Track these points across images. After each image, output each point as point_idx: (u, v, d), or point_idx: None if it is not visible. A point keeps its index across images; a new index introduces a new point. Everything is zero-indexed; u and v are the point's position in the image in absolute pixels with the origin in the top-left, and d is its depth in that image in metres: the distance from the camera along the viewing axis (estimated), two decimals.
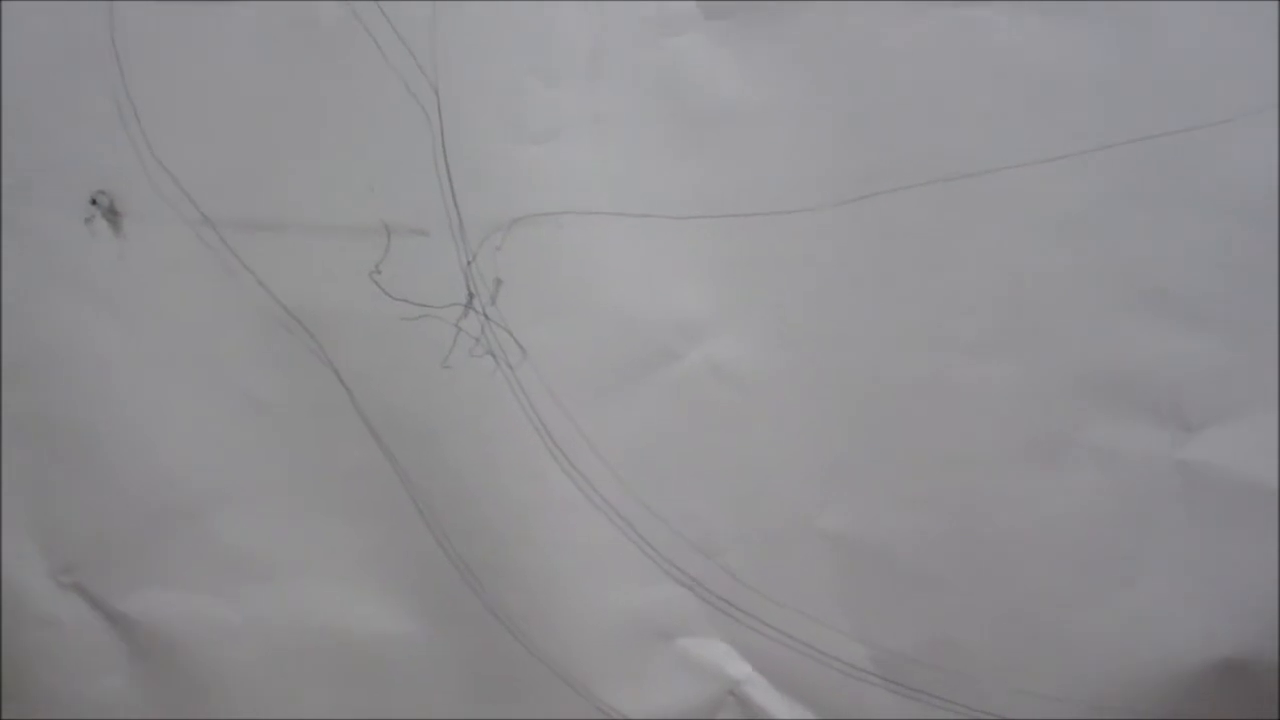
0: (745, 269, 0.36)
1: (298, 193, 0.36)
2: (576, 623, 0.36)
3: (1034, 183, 0.35)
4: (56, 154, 0.36)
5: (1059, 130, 0.35)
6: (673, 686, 0.36)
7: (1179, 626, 0.35)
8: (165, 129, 0.36)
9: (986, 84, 0.35)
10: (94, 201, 0.36)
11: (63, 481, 0.38)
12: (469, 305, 0.35)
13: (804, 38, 0.35)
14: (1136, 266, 0.35)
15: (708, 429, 0.36)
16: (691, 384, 0.36)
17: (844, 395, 0.36)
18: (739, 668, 0.36)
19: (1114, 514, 0.35)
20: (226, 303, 0.36)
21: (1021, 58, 0.35)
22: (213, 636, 0.38)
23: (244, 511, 0.37)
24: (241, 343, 0.36)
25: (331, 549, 0.37)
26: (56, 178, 0.36)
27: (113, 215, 0.36)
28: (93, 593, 0.39)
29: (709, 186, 0.36)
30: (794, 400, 0.36)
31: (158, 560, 0.38)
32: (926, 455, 0.36)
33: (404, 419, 0.36)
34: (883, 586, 0.36)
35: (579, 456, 0.35)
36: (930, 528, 0.35)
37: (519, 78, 0.35)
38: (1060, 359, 0.35)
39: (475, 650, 0.36)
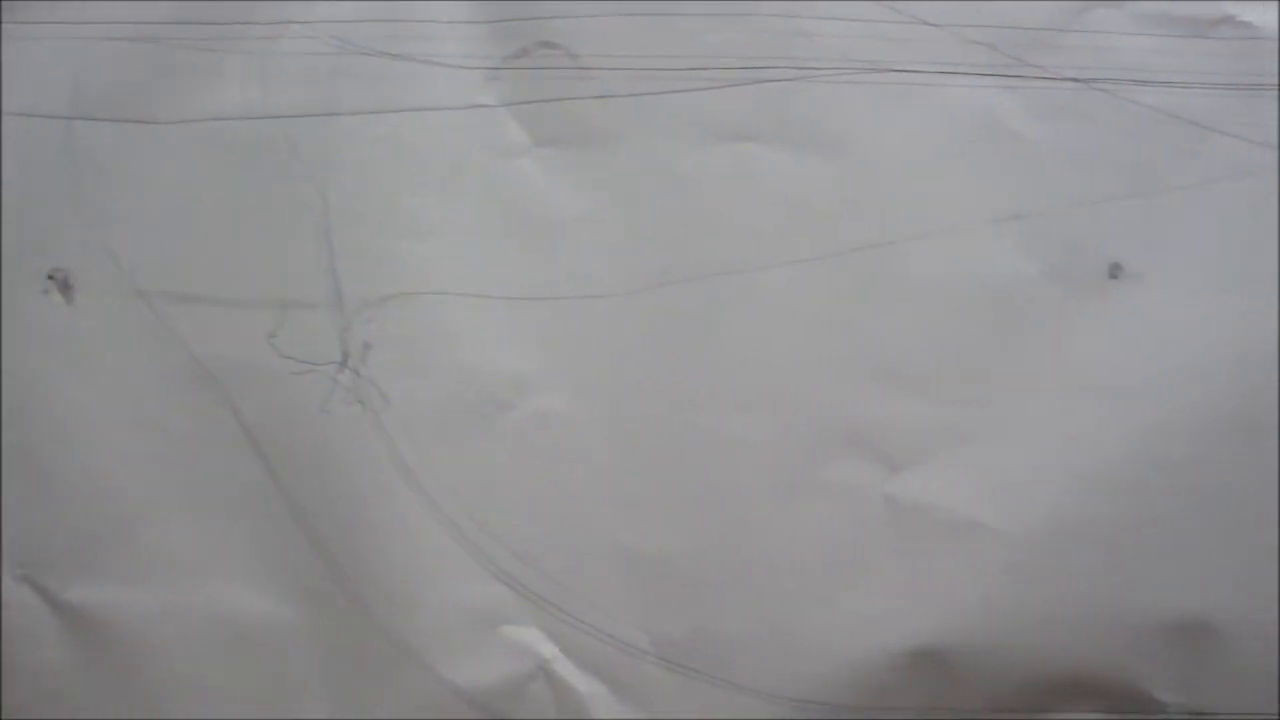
0: (565, 339, 0.45)
1: (214, 272, 0.45)
2: (420, 612, 0.44)
3: (787, 279, 0.46)
4: (21, 239, 0.45)
5: (806, 239, 0.46)
6: (495, 664, 0.45)
7: (888, 622, 0.44)
8: (110, 220, 0.45)
9: (751, 202, 0.46)
10: (50, 277, 0.45)
11: (20, 497, 0.46)
12: (344, 364, 0.45)
13: (612, 163, 0.45)
14: (863, 345, 0.45)
15: (531, 463, 0.45)
16: (520, 428, 0.45)
17: (639, 439, 0.45)
18: (548, 648, 0.45)
19: (838, 535, 0.45)
20: (155, 358, 0.45)
21: (778, 182, 0.46)
22: (138, 622, 0.46)
23: (162, 521, 0.45)
24: (165, 389, 0.45)
25: (229, 551, 0.45)
26: (20, 258, 0.45)
27: (66, 288, 0.45)
28: (41, 585, 0.46)
29: (538, 275, 0.45)
30: (600, 442, 0.45)
31: (94, 559, 0.45)
32: (700, 488, 0.45)
33: (289, 451, 0.45)
34: (661, 587, 0.45)
35: (428, 482, 0.45)
36: (700, 544, 0.45)
37: (391, 187, 0.45)
38: (803, 416, 0.45)
39: (341, 632, 0.44)
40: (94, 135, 0.45)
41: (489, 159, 0.46)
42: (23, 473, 0.46)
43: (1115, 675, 0.45)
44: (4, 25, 0.44)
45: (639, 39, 0.45)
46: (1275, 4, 0.46)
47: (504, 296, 0.45)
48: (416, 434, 0.45)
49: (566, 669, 0.45)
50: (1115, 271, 0.46)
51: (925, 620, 0.44)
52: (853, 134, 0.46)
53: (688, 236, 0.46)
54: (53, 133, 0.45)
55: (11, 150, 0.45)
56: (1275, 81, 0.46)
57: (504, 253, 0.46)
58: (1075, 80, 0.46)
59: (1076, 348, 0.45)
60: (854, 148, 0.46)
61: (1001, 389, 0.45)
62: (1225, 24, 0.46)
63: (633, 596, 0.45)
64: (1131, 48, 0.46)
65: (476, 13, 0.45)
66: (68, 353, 0.45)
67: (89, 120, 0.45)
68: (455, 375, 0.45)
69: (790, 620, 0.45)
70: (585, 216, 0.46)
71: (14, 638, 0.46)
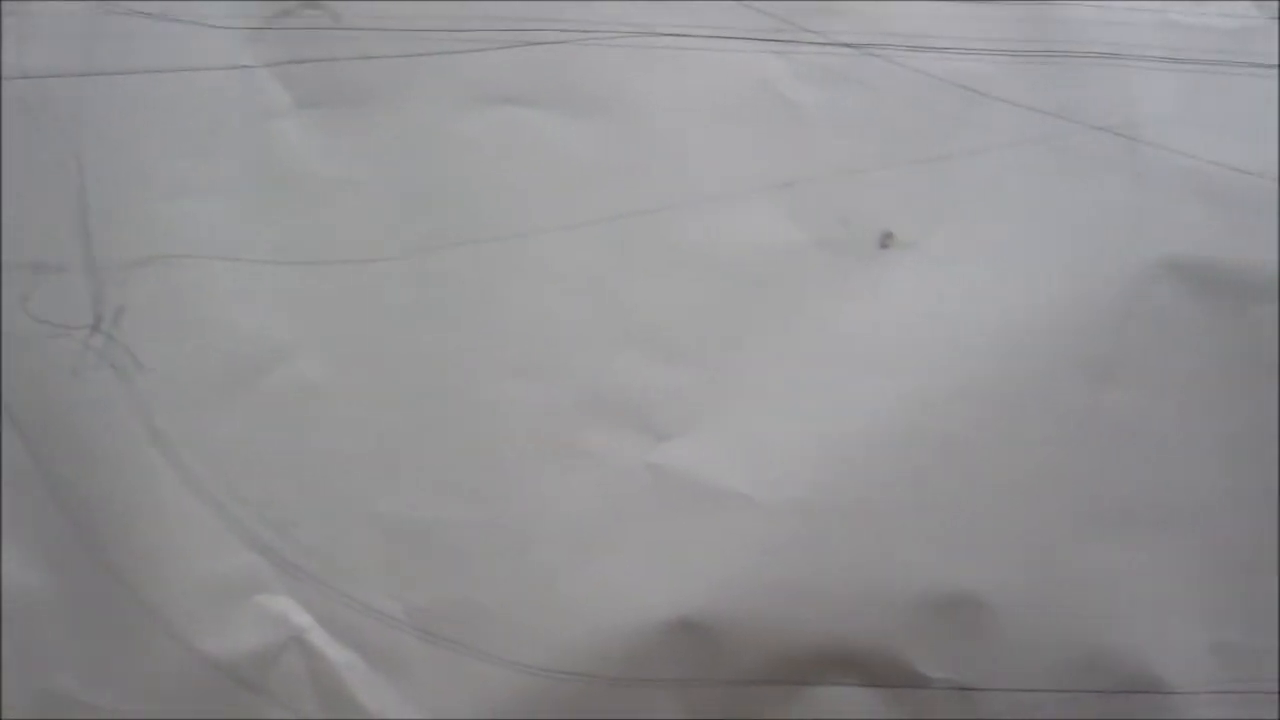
0: (326, 304, 0.44)
1: None
2: (172, 581, 0.44)
3: (555, 245, 0.45)
4: None
5: (575, 205, 0.45)
6: (248, 633, 0.44)
7: (647, 592, 0.44)
8: None
9: (519, 166, 0.45)
10: None
11: None
12: (96, 327, 0.44)
13: (377, 126, 0.45)
14: (628, 312, 0.45)
15: (288, 430, 0.44)
16: (277, 395, 0.44)
17: (399, 406, 0.44)
18: (302, 618, 0.44)
19: (599, 504, 0.44)
20: None
21: (546, 146, 0.45)
22: None
23: None
24: None
25: None
26: None
27: None
28: None
29: (298, 239, 0.44)
30: (359, 409, 0.44)
31: None
32: (460, 456, 0.44)
33: (41, 416, 0.44)
34: (418, 557, 0.44)
35: (181, 449, 0.44)
36: (459, 513, 0.44)
37: (149, 149, 0.45)
38: (567, 383, 0.44)
39: (91, 601, 0.44)
40: None
41: (250, 121, 0.45)
42: None
43: (879, 648, 0.44)
44: None
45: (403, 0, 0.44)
46: None
47: (263, 261, 0.45)
48: (170, 399, 0.44)
49: (321, 639, 0.44)
50: (886, 241, 0.45)
51: (685, 591, 0.44)
52: (623, 98, 0.45)
53: (454, 201, 0.45)
54: None
55: None
56: (1051, 49, 0.45)
57: (264, 216, 0.45)
58: (851, 45, 0.45)
59: (845, 317, 0.45)
60: (624, 112, 0.45)
61: (768, 359, 0.45)
62: None
63: (389, 566, 0.44)
64: (910, 13, 0.45)
65: None
66: None
67: None
68: (211, 340, 0.44)
69: (549, 590, 0.44)
70: (349, 180, 0.45)
71: None
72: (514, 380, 0.44)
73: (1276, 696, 0.45)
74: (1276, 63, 0.45)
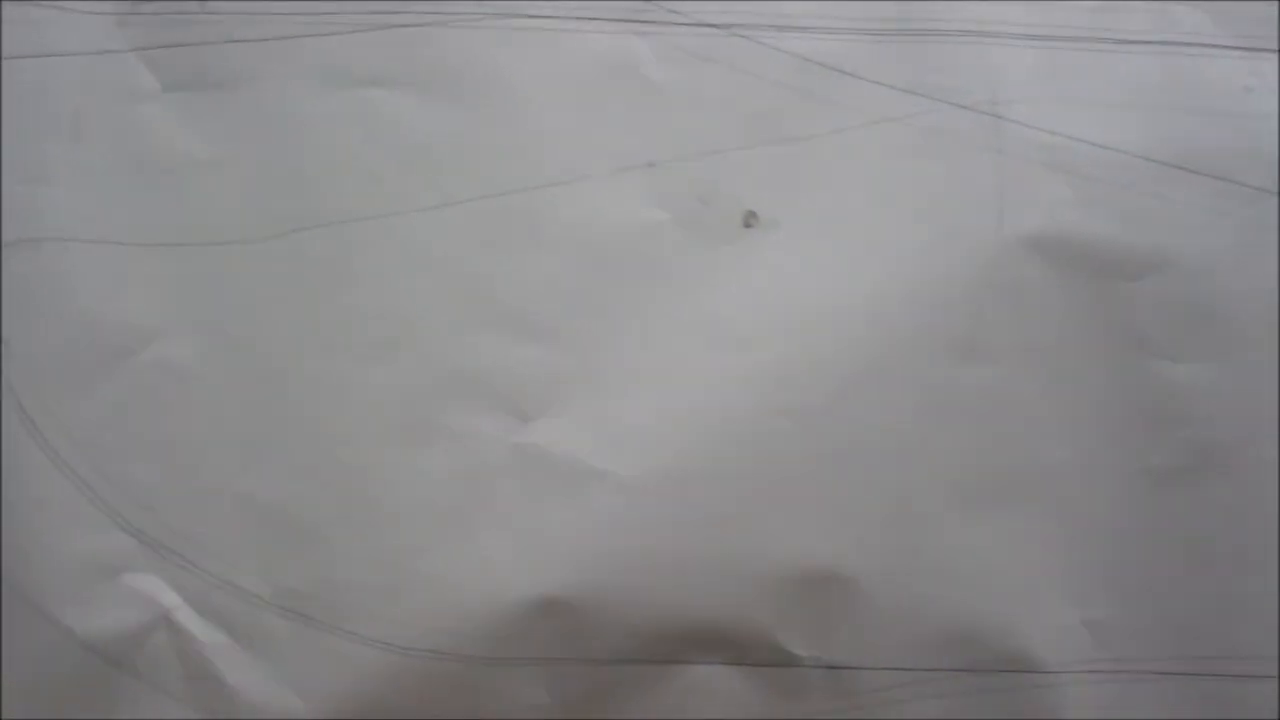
0: (191, 286, 0.45)
1: None
2: (41, 560, 0.44)
3: (418, 226, 0.45)
4: None
5: (438, 185, 0.45)
6: (117, 613, 0.44)
7: (512, 571, 0.44)
8: None
9: (383, 148, 0.45)
10: None
11: None
12: None
13: (241, 109, 0.45)
14: (492, 293, 0.45)
15: (155, 412, 0.44)
16: (143, 376, 0.45)
17: (265, 388, 0.45)
18: (170, 598, 0.44)
19: (463, 484, 0.44)
20: None
21: (410, 128, 0.45)
22: None
23: None
24: None
25: None
26: None
27: None
28: None
29: (166, 221, 0.45)
30: (225, 390, 0.45)
31: None
32: (325, 436, 0.44)
33: None
34: (284, 537, 0.44)
35: (48, 430, 0.44)
36: (324, 493, 0.44)
37: (16, 133, 0.45)
38: (432, 364, 0.45)
39: None
40: None
41: (117, 104, 0.45)
42: None
43: (746, 626, 0.44)
44: None
45: None
46: None
47: (130, 243, 0.45)
48: (37, 381, 0.45)
49: (188, 618, 0.44)
50: (749, 220, 0.45)
51: (549, 569, 0.44)
52: (486, 80, 0.45)
53: (318, 183, 0.45)
54: None
55: None
56: (913, 28, 0.46)
57: (132, 199, 0.45)
58: (714, 26, 0.45)
59: (708, 296, 0.45)
60: (487, 94, 0.45)
61: (632, 338, 0.45)
62: None
63: (256, 545, 0.45)
64: None
65: None
66: None
67: None
68: (77, 322, 0.45)
69: (413, 570, 0.44)
70: (215, 162, 0.45)
71: None
72: (377, 361, 0.45)
73: (1149, 675, 0.45)
74: (1135, 39, 0.46)
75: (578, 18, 0.45)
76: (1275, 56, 0.46)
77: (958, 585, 0.45)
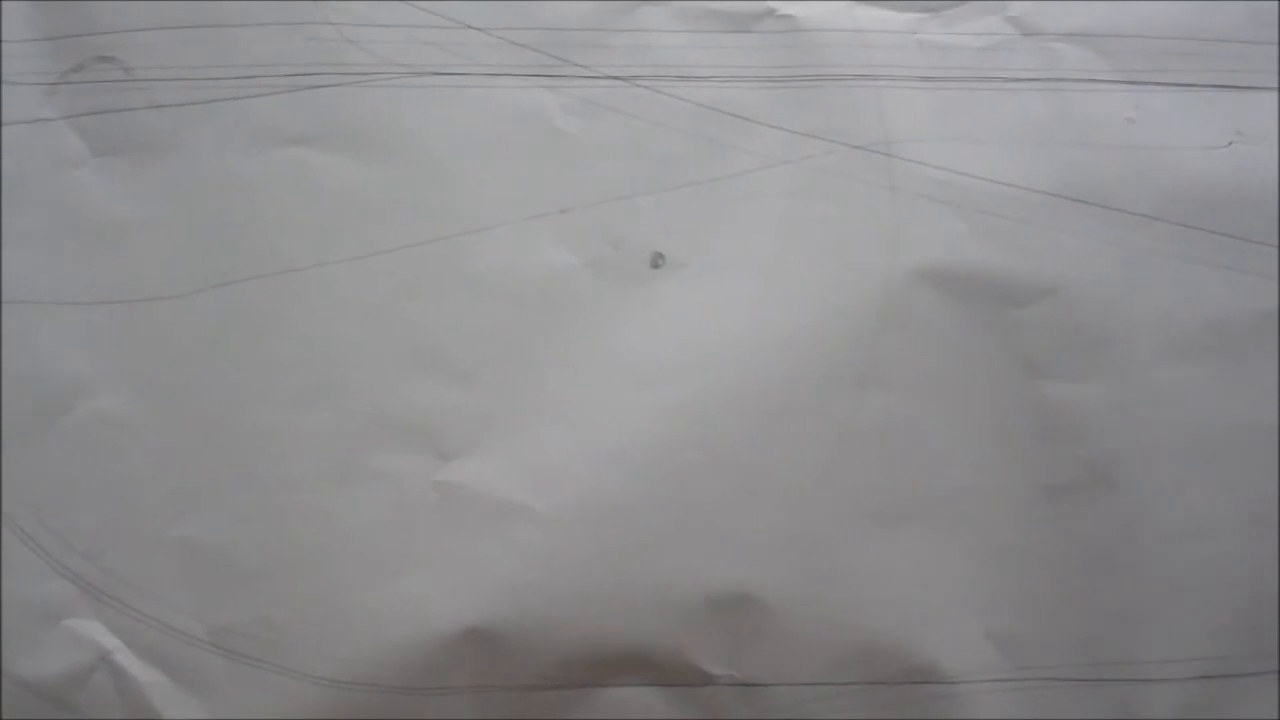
0: (126, 341, 0.47)
1: None
2: None
3: (342, 277, 0.47)
4: None
5: (361, 237, 0.47)
6: (59, 656, 0.46)
7: (436, 604, 0.46)
8: None
9: (307, 203, 0.47)
10: None
11: None
12: None
13: (169, 170, 0.47)
14: (413, 338, 0.47)
15: (92, 462, 0.46)
16: (81, 429, 0.46)
17: (198, 436, 0.46)
18: (110, 640, 0.46)
19: (388, 522, 0.46)
20: None
21: (333, 183, 0.47)
22: None
23: None
24: None
25: None
26: None
27: None
28: None
29: (100, 280, 0.47)
30: (159, 440, 0.46)
31: None
32: (256, 480, 0.46)
33: None
34: (218, 578, 0.46)
35: None
36: (256, 534, 0.46)
37: None
38: (356, 407, 0.47)
39: None
40: None
41: (51, 170, 0.47)
42: None
43: (663, 648, 0.46)
44: None
45: (191, 51, 0.47)
46: None
47: (66, 302, 0.47)
48: None
49: (127, 659, 0.46)
50: (657, 261, 0.47)
51: (472, 601, 0.46)
52: (403, 136, 0.47)
53: (247, 238, 0.47)
54: None
55: None
56: (809, 73, 0.48)
57: (67, 260, 0.47)
58: (617, 78, 0.48)
59: (620, 336, 0.47)
60: (404, 149, 0.47)
61: (548, 377, 0.47)
62: (768, 18, 0.48)
63: (191, 587, 0.47)
64: (675, 45, 0.48)
65: (35, 30, 0.47)
66: None
67: None
68: (16, 379, 0.47)
69: (342, 606, 0.46)
70: (146, 222, 0.47)
71: None
72: (305, 406, 0.47)
73: (1051, 682, 0.47)
74: (1022, 77, 0.48)
75: (489, 73, 0.48)
76: (1155, 89, 0.48)
77: (866, 603, 0.47)
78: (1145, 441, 0.47)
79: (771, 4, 0.48)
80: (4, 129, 0.47)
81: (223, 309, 0.47)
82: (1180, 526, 0.47)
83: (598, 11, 0.48)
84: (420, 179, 0.47)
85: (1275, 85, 0.48)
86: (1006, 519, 0.47)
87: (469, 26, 0.47)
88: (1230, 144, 0.48)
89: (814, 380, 0.47)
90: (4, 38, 0.47)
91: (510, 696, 0.46)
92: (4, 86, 0.47)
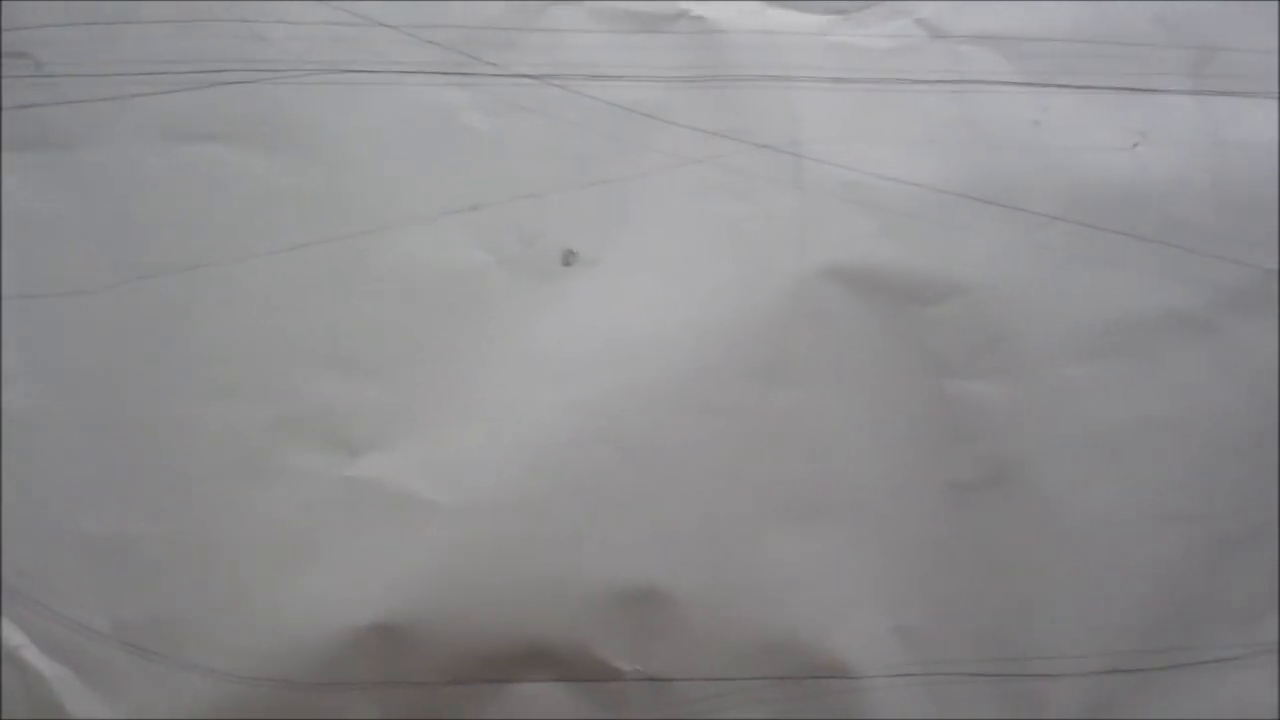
0: (36, 336, 0.46)
1: None
2: None
3: (254, 272, 0.47)
4: None
5: (272, 234, 0.48)
6: None
7: (343, 599, 0.46)
8: None
9: (218, 199, 0.47)
10: None
11: None
12: None
13: (81, 166, 0.47)
14: (324, 333, 0.47)
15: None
16: None
17: (105, 431, 0.46)
18: (17, 637, 0.46)
19: (296, 517, 0.46)
20: None
21: (244, 180, 0.47)
22: None
23: None
24: None
25: None
26: None
27: None
28: None
29: (13, 275, 0.47)
30: (67, 435, 0.46)
31: None
32: (163, 475, 0.46)
33: None
34: (123, 573, 0.46)
35: None
36: (162, 529, 0.46)
37: None
38: (265, 403, 0.46)
39: None
40: None
41: None
42: None
43: (571, 643, 0.47)
44: None
45: (103, 47, 0.47)
46: None
47: None
48: None
49: (34, 655, 0.46)
50: (569, 259, 0.48)
51: (379, 596, 0.46)
52: (314, 133, 0.48)
53: (158, 234, 0.47)
54: None
55: None
56: (718, 74, 0.48)
57: None
58: (529, 77, 0.48)
59: (531, 332, 0.47)
60: (316, 146, 0.48)
61: (459, 374, 0.47)
62: (681, 19, 0.49)
63: (96, 583, 0.46)
64: (588, 44, 0.48)
65: None
66: None
67: None
68: None
69: (249, 601, 0.46)
70: (56, 217, 0.47)
71: None
72: (213, 401, 0.47)
73: (957, 677, 0.48)
74: (929, 79, 0.49)
75: (401, 71, 0.48)
76: (1061, 91, 0.49)
77: (773, 598, 0.47)
78: (1049, 439, 0.48)
79: (684, 5, 0.49)
80: None
81: (132, 305, 0.47)
82: (1084, 522, 0.48)
83: (511, 11, 0.48)
84: (332, 176, 0.48)
85: (1178, 89, 0.49)
86: (912, 515, 0.48)
87: (381, 24, 0.48)
88: (1135, 146, 0.49)
89: (723, 377, 0.47)
90: None
91: (418, 692, 0.46)
92: None
